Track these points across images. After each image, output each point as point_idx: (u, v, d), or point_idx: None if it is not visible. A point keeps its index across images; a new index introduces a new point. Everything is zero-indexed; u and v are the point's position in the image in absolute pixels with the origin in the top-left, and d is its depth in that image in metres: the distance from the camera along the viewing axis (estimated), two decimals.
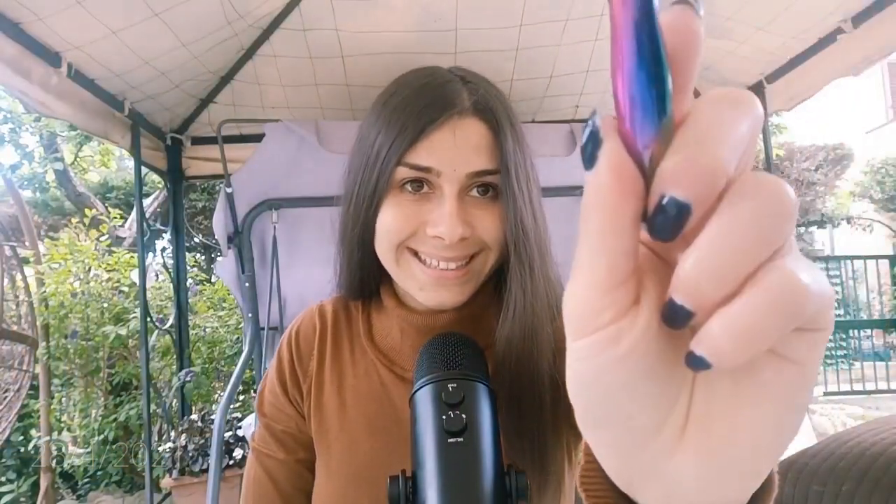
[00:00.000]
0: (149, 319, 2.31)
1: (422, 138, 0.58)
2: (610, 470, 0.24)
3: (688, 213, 0.18)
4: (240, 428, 2.59)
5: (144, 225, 2.38)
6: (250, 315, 2.02)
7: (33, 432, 3.50)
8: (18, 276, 3.26)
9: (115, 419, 3.36)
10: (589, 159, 0.19)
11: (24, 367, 3.27)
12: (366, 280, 0.69)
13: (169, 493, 2.54)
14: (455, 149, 0.58)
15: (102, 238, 3.76)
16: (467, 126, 0.59)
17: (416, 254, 0.61)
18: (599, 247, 0.19)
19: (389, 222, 0.60)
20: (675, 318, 0.19)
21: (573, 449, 0.67)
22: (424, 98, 0.60)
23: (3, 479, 3.44)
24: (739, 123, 0.18)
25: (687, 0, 0.18)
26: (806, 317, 0.18)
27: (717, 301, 0.18)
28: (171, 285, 2.65)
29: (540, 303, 0.61)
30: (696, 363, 0.19)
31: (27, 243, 3.37)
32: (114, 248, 3.82)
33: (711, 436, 0.21)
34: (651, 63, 0.17)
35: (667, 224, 0.18)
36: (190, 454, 2.51)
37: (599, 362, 0.20)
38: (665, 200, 0.18)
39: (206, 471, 2.27)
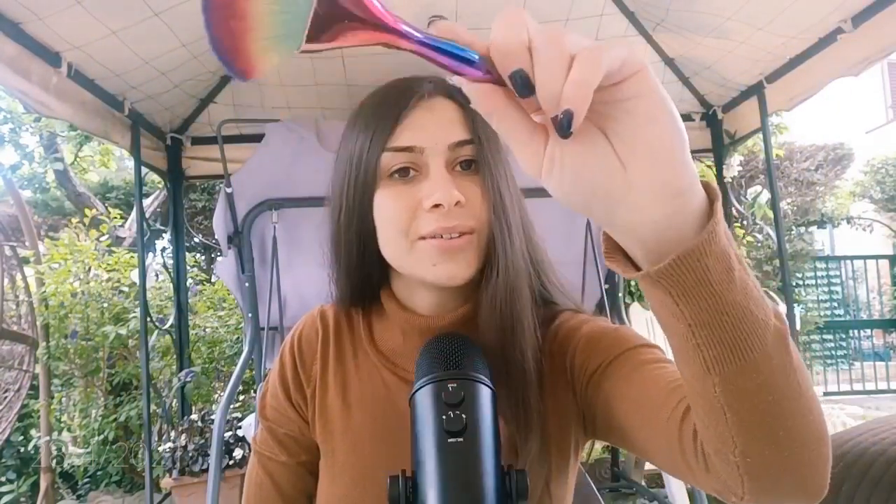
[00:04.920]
0: (149, 319, 2.31)
1: (399, 122, 0.61)
2: (612, 226, 0.37)
3: (524, 73, 0.31)
4: (240, 428, 2.59)
5: (144, 225, 2.38)
6: (250, 315, 2.02)
7: (33, 432, 3.50)
8: (18, 276, 3.27)
9: (115, 419, 3.36)
10: (464, 99, 0.36)
11: (24, 367, 3.27)
12: (366, 284, 0.69)
13: (169, 493, 2.54)
14: (433, 124, 0.61)
15: (102, 238, 3.75)
16: (437, 103, 0.63)
17: (422, 238, 0.61)
18: (505, 126, 0.34)
19: (387, 210, 0.61)
20: (558, 124, 0.31)
21: (580, 446, 0.67)
22: (393, 92, 0.64)
23: (3, 479, 3.44)
24: (509, 21, 0.31)
25: (436, 17, 0.36)
26: (610, 65, 0.30)
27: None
28: (171, 285, 2.65)
29: (521, 261, 0.64)
30: (566, 118, 0.30)
31: (27, 243, 3.37)
32: (114, 248, 3.82)
33: (637, 153, 0.33)
34: (447, 54, 0.32)
35: (521, 86, 0.31)
36: (190, 454, 2.51)
37: (556, 173, 0.35)
38: (511, 78, 0.32)
39: (206, 471, 2.27)
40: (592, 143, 0.34)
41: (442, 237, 0.59)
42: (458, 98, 0.63)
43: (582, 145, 0.33)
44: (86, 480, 3.55)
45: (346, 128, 0.67)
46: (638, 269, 0.38)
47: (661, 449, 0.51)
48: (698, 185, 0.35)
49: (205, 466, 2.46)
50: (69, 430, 3.62)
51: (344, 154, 0.66)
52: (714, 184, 0.37)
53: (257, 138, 2.19)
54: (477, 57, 0.32)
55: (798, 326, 2.56)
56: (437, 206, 0.58)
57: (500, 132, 0.34)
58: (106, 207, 4.57)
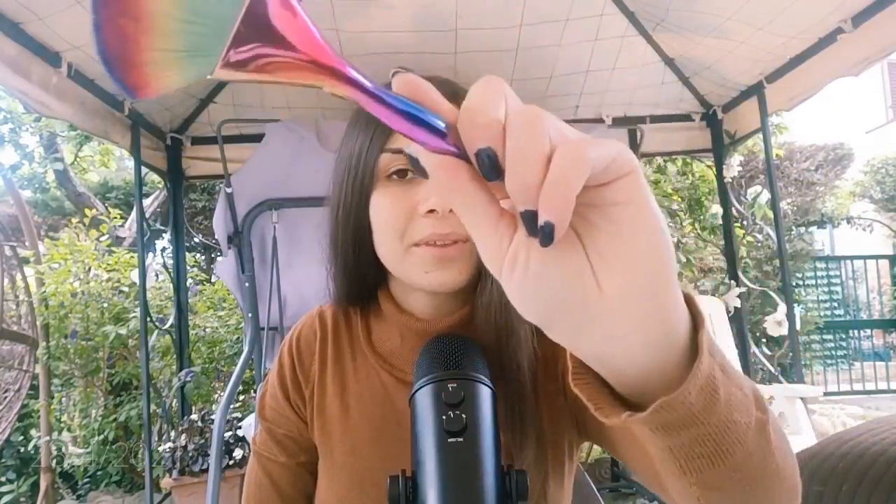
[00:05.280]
0: (149, 319, 2.31)
1: None
2: (578, 351, 0.32)
3: (493, 153, 0.26)
4: (240, 428, 2.59)
5: (144, 225, 2.38)
6: (250, 315, 2.02)
7: (33, 432, 3.50)
8: (18, 276, 3.26)
9: (115, 419, 3.36)
10: (421, 171, 0.28)
11: (24, 367, 3.26)
12: (363, 284, 0.69)
13: (169, 493, 2.54)
14: None
15: (102, 238, 3.75)
16: None
17: (416, 245, 0.61)
18: (467, 210, 0.29)
19: (383, 212, 0.61)
20: (527, 220, 0.26)
21: (574, 449, 0.67)
22: None
23: (3, 479, 3.44)
24: (486, 90, 0.27)
25: (401, 68, 0.27)
26: (597, 165, 0.26)
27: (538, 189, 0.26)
28: (171, 285, 2.65)
29: None
30: (546, 230, 0.26)
31: (27, 243, 3.37)
32: (114, 248, 3.82)
33: (615, 273, 0.28)
34: (408, 117, 0.27)
35: (488, 168, 0.26)
36: (190, 454, 2.51)
37: (518, 274, 0.29)
38: (477, 156, 0.27)
39: (206, 471, 2.27)
40: (565, 250, 0.29)
41: (436, 244, 0.59)
42: (460, 101, 0.63)
43: (553, 249, 0.28)
44: (86, 480, 3.54)
45: (349, 125, 0.67)
46: (611, 392, 0.34)
47: (639, 462, 0.52)
48: (683, 309, 0.31)
49: (205, 466, 2.46)
50: (69, 430, 3.62)
51: (344, 152, 0.66)
52: (698, 304, 0.33)
53: (257, 138, 2.19)
54: (444, 125, 0.27)
55: (798, 326, 2.56)
56: (431, 211, 0.58)
57: (461, 215, 0.29)
58: (106, 207, 4.57)
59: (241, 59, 0.26)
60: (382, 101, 0.27)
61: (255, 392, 2.40)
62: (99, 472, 3.51)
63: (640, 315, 0.29)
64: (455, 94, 0.65)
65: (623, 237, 0.28)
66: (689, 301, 0.32)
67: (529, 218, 0.26)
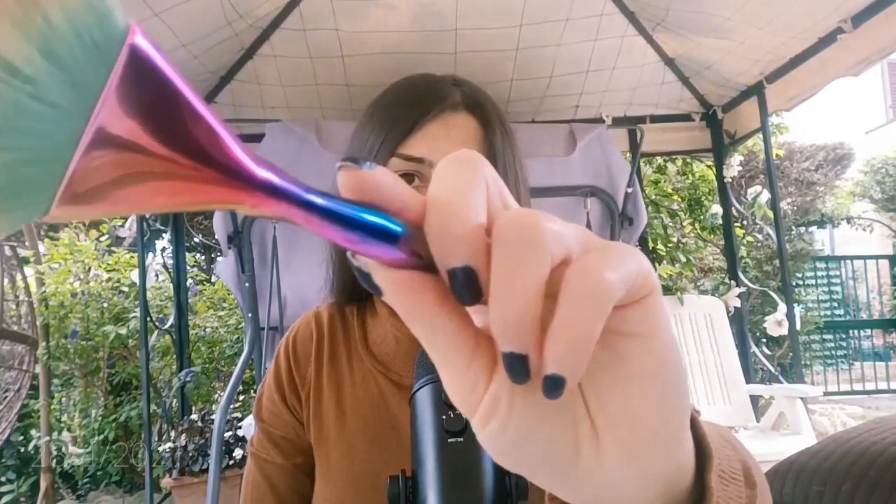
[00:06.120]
0: (149, 319, 2.31)
1: (414, 130, 0.59)
2: (564, 498, 0.25)
3: (473, 273, 0.20)
4: (240, 428, 2.59)
5: (144, 225, 2.38)
6: (250, 315, 2.02)
7: (33, 432, 3.50)
8: (18, 276, 3.26)
9: (115, 419, 3.36)
10: (375, 290, 0.21)
11: (24, 367, 3.27)
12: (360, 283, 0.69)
13: (169, 493, 2.54)
14: (447, 140, 0.60)
15: (102, 238, 3.75)
16: (458, 120, 0.61)
17: None
18: (434, 342, 0.22)
19: None
20: (514, 367, 0.20)
21: None
22: (416, 94, 0.62)
23: (3, 479, 3.44)
24: (460, 177, 0.21)
25: (350, 159, 0.20)
26: (619, 296, 0.20)
27: (535, 331, 0.20)
28: (171, 285, 2.65)
29: None
30: (553, 384, 0.20)
31: (27, 243, 3.37)
32: (114, 248, 3.82)
33: (616, 425, 0.23)
34: (351, 224, 0.20)
35: (463, 290, 0.20)
36: (190, 454, 2.51)
37: (495, 425, 0.22)
38: (450, 274, 0.20)
39: (206, 471, 2.27)
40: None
41: None
42: (481, 115, 0.62)
43: (544, 402, 0.21)
44: (86, 480, 3.54)
45: (360, 124, 0.66)
46: None
47: None
48: (692, 456, 0.26)
49: (205, 466, 2.46)
50: (69, 430, 3.62)
51: (354, 147, 0.65)
52: (709, 445, 0.27)
53: (257, 138, 2.19)
54: (400, 230, 0.20)
55: (798, 326, 2.56)
56: None
57: (425, 345, 0.22)
58: None
59: (91, 188, 0.17)
60: (318, 210, 0.19)
61: (255, 392, 2.40)
62: (99, 472, 3.51)
63: (643, 468, 0.23)
64: (458, 84, 0.65)
65: (632, 380, 0.22)
66: (701, 447, 0.27)
67: (517, 363, 0.20)
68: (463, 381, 0.22)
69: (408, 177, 0.60)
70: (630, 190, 2.20)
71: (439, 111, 0.60)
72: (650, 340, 0.22)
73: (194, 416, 2.64)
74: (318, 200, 0.20)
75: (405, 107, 0.61)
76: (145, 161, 0.17)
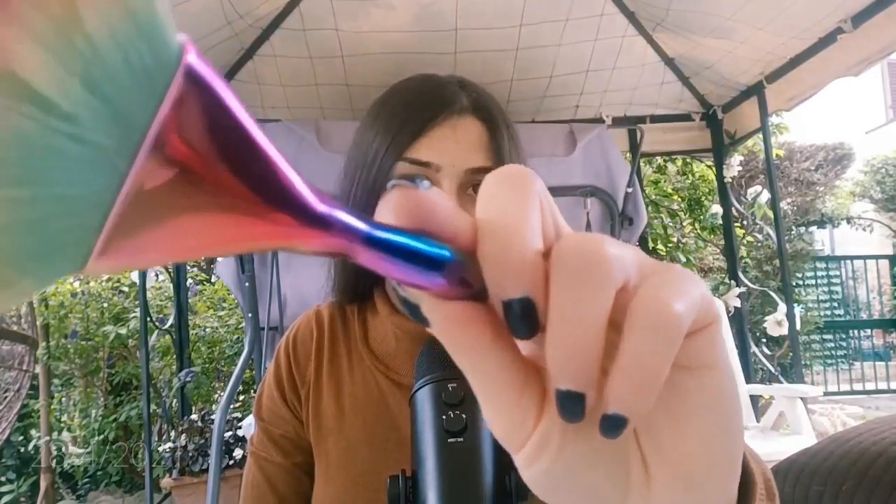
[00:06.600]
0: (149, 319, 2.31)
1: (422, 134, 0.59)
2: None
3: (531, 305, 0.18)
4: (240, 428, 2.59)
5: None
6: (250, 315, 2.02)
7: (33, 432, 3.50)
8: None
9: (115, 419, 3.36)
10: (423, 322, 0.20)
11: (24, 367, 3.27)
12: (360, 281, 0.69)
13: (169, 493, 2.54)
14: (455, 145, 0.59)
15: None
16: (466, 124, 0.61)
17: None
18: (484, 376, 0.20)
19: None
20: (570, 406, 0.19)
21: None
22: (424, 98, 0.62)
23: (3, 479, 3.44)
24: (513, 197, 0.19)
25: (401, 181, 0.19)
26: (688, 328, 0.19)
27: (597, 368, 0.18)
28: (171, 285, 2.65)
29: None
30: (614, 424, 0.19)
31: None
32: None
33: (670, 461, 0.21)
34: (401, 254, 0.18)
35: (520, 323, 0.19)
36: (190, 454, 2.51)
37: (544, 463, 0.21)
38: (505, 306, 0.19)
39: (206, 471, 2.27)
40: None
41: None
42: (488, 119, 0.62)
43: (596, 437, 0.20)
44: (86, 480, 3.54)
45: (364, 123, 0.66)
46: None
47: None
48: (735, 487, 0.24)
49: (205, 466, 2.46)
50: (69, 430, 3.62)
51: (358, 151, 0.65)
52: (752, 471, 0.27)
53: None
54: (449, 255, 0.19)
55: (798, 326, 2.57)
56: None
57: (472, 380, 0.21)
58: None
59: (135, 237, 0.15)
60: (380, 245, 0.18)
61: (255, 392, 2.40)
62: (99, 472, 3.51)
63: (693, 502, 0.22)
64: (464, 86, 0.65)
65: (688, 415, 0.21)
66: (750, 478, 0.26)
67: (574, 402, 0.19)
68: (511, 417, 0.21)
69: (413, 180, 0.60)
70: (630, 190, 2.20)
71: (447, 115, 0.60)
72: (711, 371, 0.21)
73: (194, 416, 2.64)
74: (379, 234, 0.18)
75: (412, 110, 0.61)
76: (196, 203, 0.15)
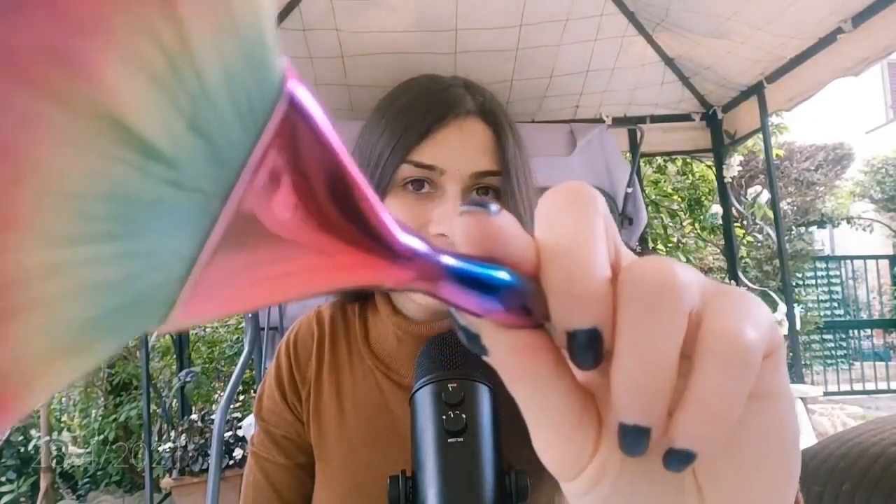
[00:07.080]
0: None
1: (427, 137, 0.59)
2: None
3: (598, 336, 0.18)
4: (240, 428, 2.59)
5: None
6: (250, 315, 2.02)
7: (33, 432, 3.50)
8: None
9: (115, 419, 3.36)
10: (482, 351, 0.19)
11: None
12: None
13: (169, 493, 2.54)
14: (460, 148, 0.59)
15: None
16: (472, 127, 0.60)
17: None
18: (542, 407, 0.20)
19: None
20: (634, 441, 0.18)
21: None
22: (429, 100, 0.61)
23: (3, 479, 3.44)
24: (588, 223, 0.18)
25: (472, 207, 0.18)
26: (759, 360, 0.18)
27: (666, 402, 0.18)
28: None
29: None
30: (682, 459, 0.18)
31: None
32: None
33: (726, 489, 0.21)
34: (482, 288, 0.17)
35: (585, 354, 0.18)
36: (190, 454, 2.51)
37: (600, 494, 0.21)
38: (569, 336, 0.18)
39: (206, 471, 2.27)
40: None
41: None
42: (494, 122, 0.61)
43: (654, 463, 0.19)
44: (86, 480, 3.55)
45: (371, 120, 0.65)
46: None
47: None
48: None
49: (205, 466, 2.46)
50: (69, 430, 3.62)
51: (362, 151, 0.64)
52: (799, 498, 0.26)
53: None
54: (514, 281, 0.18)
55: (798, 326, 2.57)
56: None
57: (527, 411, 0.20)
58: None
59: (220, 287, 0.13)
60: (458, 279, 0.17)
61: (255, 392, 2.40)
62: (99, 472, 3.51)
63: None
64: (469, 88, 0.64)
65: (749, 444, 0.20)
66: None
67: (638, 437, 0.18)
68: (569, 447, 0.20)
69: (418, 183, 0.60)
70: (630, 190, 2.20)
71: (453, 117, 0.59)
72: (774, 399, 0.20)
73: (194, 416, 2.64)
74: (457, 265, 0.17)
75: (417, 111, 0.60)
76: (289, 248, 0.14)
